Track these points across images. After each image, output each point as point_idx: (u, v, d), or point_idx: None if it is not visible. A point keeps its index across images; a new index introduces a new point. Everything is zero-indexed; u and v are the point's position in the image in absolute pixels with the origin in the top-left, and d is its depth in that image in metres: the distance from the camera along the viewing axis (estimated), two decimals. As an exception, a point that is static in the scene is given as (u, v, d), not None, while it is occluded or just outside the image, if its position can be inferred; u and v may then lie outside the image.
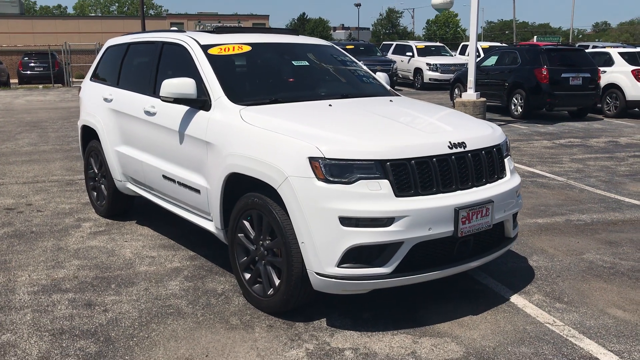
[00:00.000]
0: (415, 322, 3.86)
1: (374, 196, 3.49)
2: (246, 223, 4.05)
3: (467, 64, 18.32)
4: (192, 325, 3.81)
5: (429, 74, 23.78)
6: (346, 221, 3.46)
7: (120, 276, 4.63)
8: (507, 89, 14.94)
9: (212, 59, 4.68)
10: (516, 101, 14.78)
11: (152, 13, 79.17)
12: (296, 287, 3.71)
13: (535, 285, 4.47)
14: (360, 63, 5.69)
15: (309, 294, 3.79)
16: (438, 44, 27.84)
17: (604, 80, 15.35)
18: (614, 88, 15.45)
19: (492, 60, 16.10)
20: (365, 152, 3.55)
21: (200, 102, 4.44)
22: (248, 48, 4.93)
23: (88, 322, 3.85)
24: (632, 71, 15.13)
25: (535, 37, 53.80)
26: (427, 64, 23.85)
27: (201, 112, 4.43)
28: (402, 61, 25.38)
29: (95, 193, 6.37)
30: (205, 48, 4.78)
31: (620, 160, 9.55)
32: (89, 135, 6.32)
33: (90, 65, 6.66)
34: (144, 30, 6.36)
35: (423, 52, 25.06)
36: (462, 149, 3.82)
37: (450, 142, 3.80)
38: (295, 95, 4.71)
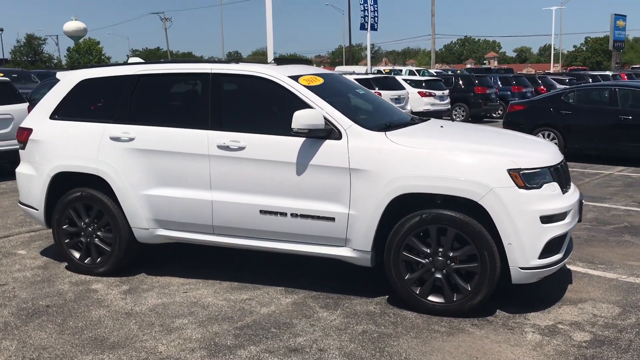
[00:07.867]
0: (552, 299, 4.73)
1: (555, 196, 4.33)
2: (414, 239, 4.37)
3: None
4: (418, 341, 4.00)
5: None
6: (545, 219, 4.21)
7: (258, 321, 4.35)
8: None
9: (312, 89, 4.75)
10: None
11: None
12: (494, 285, 4.26)
13: (565, 257, 5.74)
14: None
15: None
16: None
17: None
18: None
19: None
20: (541, 161, 4.36)
21: (325, 131, 4.52)
22: (321, 80, 5.08)
23: (331, 363, 3.71)
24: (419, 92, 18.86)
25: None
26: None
27: (331, 142, 4.51)
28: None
29: (79, 253, 5.40)
30: (294, 79, 4.81)
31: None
32: (64, 184, 5.37)
33: None
34: (146, 61, 5.75)
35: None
36: (561, 159, 4.87)
37: (556, 154, 4.85)
38: (393, 120, 5.09)
